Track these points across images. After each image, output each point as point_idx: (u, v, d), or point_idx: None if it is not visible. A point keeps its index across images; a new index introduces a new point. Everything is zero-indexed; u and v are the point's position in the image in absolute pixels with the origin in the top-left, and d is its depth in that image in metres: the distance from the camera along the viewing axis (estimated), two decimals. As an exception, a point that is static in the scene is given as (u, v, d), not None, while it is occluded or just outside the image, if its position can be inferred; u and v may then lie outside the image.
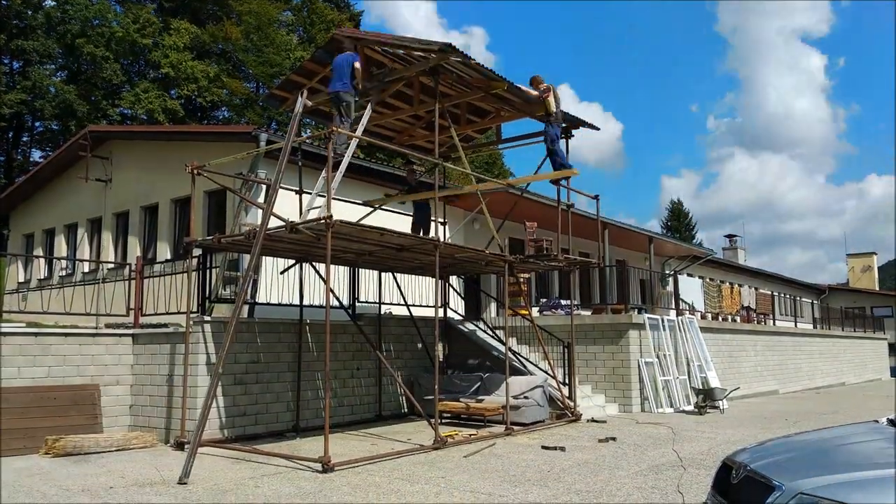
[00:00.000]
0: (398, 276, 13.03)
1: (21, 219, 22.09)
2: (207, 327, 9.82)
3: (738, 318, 19.85)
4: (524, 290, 14.83)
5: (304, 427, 10.66)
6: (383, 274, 12.96)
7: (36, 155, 33.48)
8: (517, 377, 12.01)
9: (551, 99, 11.47)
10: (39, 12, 29.16)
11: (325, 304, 8.44)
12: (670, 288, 16.88)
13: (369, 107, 10.76)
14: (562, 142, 12.59)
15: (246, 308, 10.91)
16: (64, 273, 18.58)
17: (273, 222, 9.00)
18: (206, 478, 7.26)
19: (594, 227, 14.45)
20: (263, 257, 11.12)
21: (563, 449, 8.86)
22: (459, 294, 15.14)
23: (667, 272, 23.55)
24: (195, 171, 9.67)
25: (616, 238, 21.41)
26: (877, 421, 4.78)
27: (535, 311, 15.85)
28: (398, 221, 12.83)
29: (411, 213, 13.79)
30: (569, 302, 15.75)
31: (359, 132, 10.17)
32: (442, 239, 9.86)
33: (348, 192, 12.53)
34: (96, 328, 10.61)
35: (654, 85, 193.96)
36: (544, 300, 18.43)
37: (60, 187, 20.06)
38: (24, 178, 21.90)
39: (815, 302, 30.04)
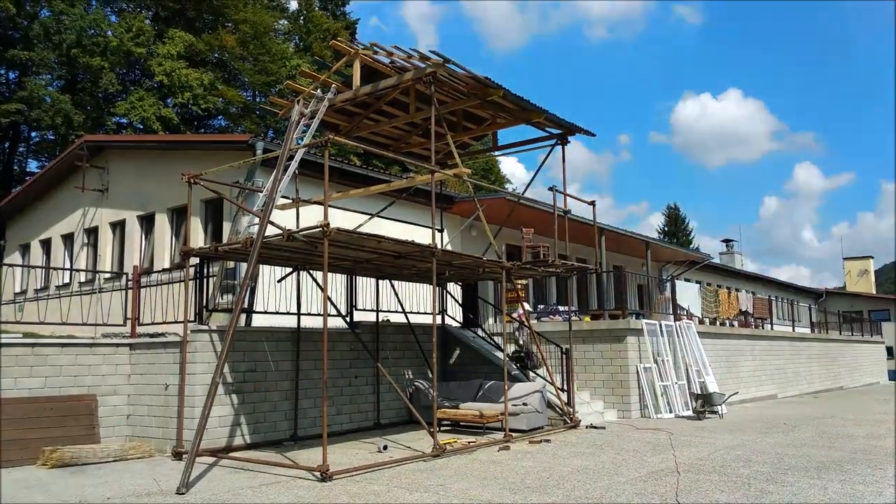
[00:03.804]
0: (396, 283, 13.03)
1: (18, 229, 22.05)
2: (205, 336, 9.79)
3: (735, 323, 19.86)
4: (522, 296, 14.82)
5: (303, 436, 10.63)
6: (381, 281, 12.95)
7: (32, 165, 33.52)
8: (516, 384, 12.00)
9: None
10: (35, 22, 29.20)
11: (322, 312, 8.42)
12: (668, 293, 16.89)
13: (323, 106, 10.79)
14: (558, 149, 12.64)
15: (243, 317, 10.89)
16: (61, 283, 18.54)
17: (270, 230, 8.99)
18: (204, 487, 7.23)
19: (591, 232, 14.47)
20: (261, 266, 11.11)
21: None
22: (457, 301, 15.13)
23: (664, 277, 23.58)
24: (192, 181, 9.67)
25: (613, 244, 21.43)
26: None
27: (532, 318, 15.83)
28: (395, 229, 12.83)
29: (410, 221, 13.82)
30: (566, 308, 15.74)
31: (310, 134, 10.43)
32: (439, 246, 9.85)
33: (346, 200, 12.53)
34: (93, 338, 10.57)
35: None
36: (542, 306, 18.42)
37: (57, 197, 20.05)
38: (20, 189, 21.89)
39: (812, 306, 30.06)
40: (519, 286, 14.46)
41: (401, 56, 10.49)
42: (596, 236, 14.72)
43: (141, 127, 29.59)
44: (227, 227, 13.39)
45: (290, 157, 10.24)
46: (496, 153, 15.06)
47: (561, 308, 17.23)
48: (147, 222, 16.65)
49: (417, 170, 14.38)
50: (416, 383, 12.82)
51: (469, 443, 9.99)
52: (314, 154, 12.65)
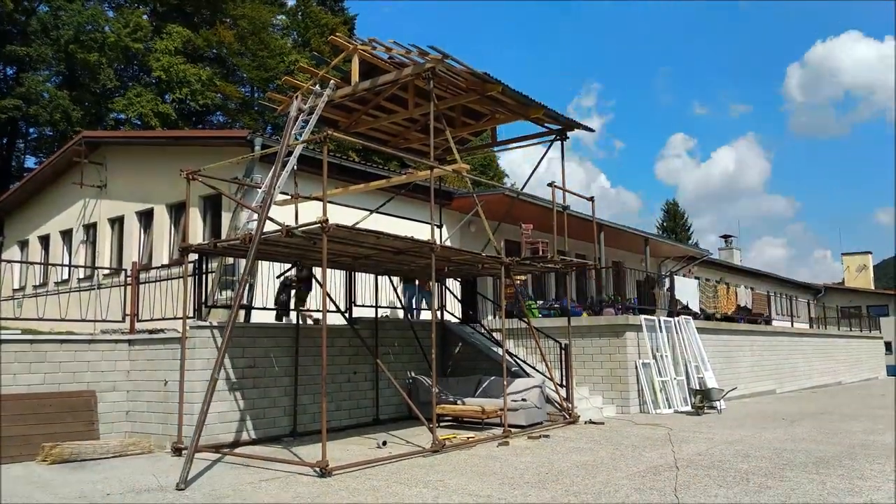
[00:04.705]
0: (395, 279, 13.02)
1: (16, 225, 22.03)
2: (204, 332, 9.79)
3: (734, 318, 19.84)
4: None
5: (302, 431, 10.63)
6: (380, 277, 12.95)
7: (30, 161, 33.47)
8: (515, 379, 12.01)
9: None
10: (33, 18, 29.11)
11: (321, 308, 8.42)
12: (667, 288, 16.90)
13: (321, 101, 10.78)
14: (557, 144, 12.63)
15: (242, 313, 10.88)
16: (59, 279, 18.53)
17: (269, 226, 8.99)
18: (203, 483, 7.24)
19: (590, 228, 14.47)
20: (260, 262, 11.10)
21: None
22: (456, 297, 15.13)
23: (663, 273, 23.59)
24: (190, 177, 9.65)
25: (612, 239, 21.43)
26: None
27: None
28: (394, 225, 12.82)
29: (409, 217, 13.82)
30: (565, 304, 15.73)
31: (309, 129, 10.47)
32: (438, 242, 9.85)
33: (345, 196, 12.52)
34: (92, 334, 10.56)
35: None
36: (541, 302, 18.42)
37: (55, 193, 20.02)
38: (18, 185, 21.85)
39: (811, 301, 30.09)
40: (518, 282, 14.47)
41: (399, 52, 10.47)
42: (595, 232, 14.71)
43: (139, 123, 29.54)
44: (226, 222, 13.38)
45: (289, 153, 10.23)
46: (495, 149, 15.03)
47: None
48: (146, 218, 16.64)
49: (416, 165, 14.37)
50: (415, 379, 12.83)
51: (468, 438, 10.01)
52: (313, 150, 12.63)
